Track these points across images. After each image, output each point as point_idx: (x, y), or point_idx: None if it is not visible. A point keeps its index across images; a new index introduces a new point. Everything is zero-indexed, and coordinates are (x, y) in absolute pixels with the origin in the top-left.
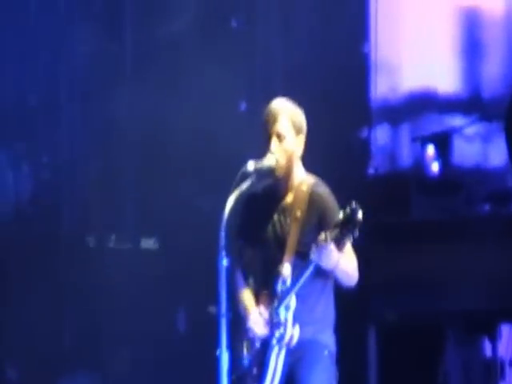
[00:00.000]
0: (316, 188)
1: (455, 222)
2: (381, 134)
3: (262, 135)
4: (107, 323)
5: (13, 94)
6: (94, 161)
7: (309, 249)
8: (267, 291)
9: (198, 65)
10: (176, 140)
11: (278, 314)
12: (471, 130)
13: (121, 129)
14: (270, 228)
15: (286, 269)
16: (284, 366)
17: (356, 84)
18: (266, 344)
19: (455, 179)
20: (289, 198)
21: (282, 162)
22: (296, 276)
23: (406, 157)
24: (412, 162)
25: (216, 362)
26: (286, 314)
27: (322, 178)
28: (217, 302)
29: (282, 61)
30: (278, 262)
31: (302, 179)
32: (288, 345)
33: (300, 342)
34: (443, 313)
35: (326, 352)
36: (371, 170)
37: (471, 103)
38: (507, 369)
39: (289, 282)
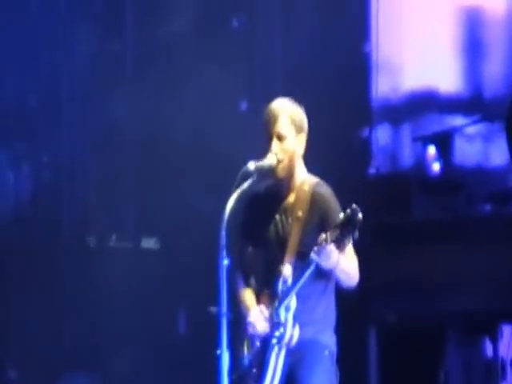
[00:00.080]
0: (318, 188)
1: (456, 222)
2: (382, 134)
3: (262, 135)
4: (107, 323)
5: (13, 94)
6: (95, 161)
7: (310, 249)
8: (268, 291)
9: (198, 65)
10: (176, 140)
11: (278, 314)
12: (472, 129)
13: (121, 129)
14: (271, 228)
15: (287, 269)
16: (284, 366)
17: (357, 84)
18: (265, 344)
19: (456, 179)
20: (291, 198)
21: (283, 162)
22: (297, 276)
23: (407, 157)
24: (413, 161)
25: (216, 362)
26: (287, 314)
27: (323, 178)
28: (217, 302)
29: (283, 60)
30: (280, 262)
31: (304, 179)
32: (288, 345)
33: (300, 343)
34: (444, 313)
35: (326, 352)
36: (372, 170)
37: (472, 103)
38: (508, 369)
39: (290, 282)
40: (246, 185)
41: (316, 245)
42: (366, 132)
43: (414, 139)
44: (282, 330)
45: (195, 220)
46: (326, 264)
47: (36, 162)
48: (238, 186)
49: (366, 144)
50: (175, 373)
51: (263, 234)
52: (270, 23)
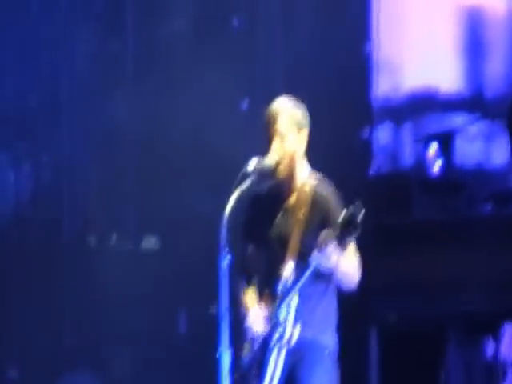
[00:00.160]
0: (319, 189)
1: (457, 222)
2: (383, 134)
3: (263, 135)
4: (107, 323)
5: (13, 94)
6: (95, 160)
7: (311, 250)
8: (269, 291)
9: (198, 64)
10: (177, 140)
11: (278, 314)
12: (473, 129)
13: (122, 129)
14: (273, 228)
15: (288, 269)
16: (284, 366)
17: (358, 83)
18: (265, 344)
19: (457, 179)
20: (292, 199)
21: (284, 162)
22: (297, 277)
23: (407, 156)
24: (414, 161)
25: (217, 362)
26: (287, 314)
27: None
28: (218, 302)
29: (284, 60)
30: (281, 262)
31: (306, 180)
32: (288, 345)
33: (300, 343)
34: (444, 314)
35: (326, 352)
36: (373, 170)
37: (473, 102)
38: (509, 370)
39: (290, 282)
40: (245, 185)
41: (317, 245)
42: (366, 132)
43: (415, 140)
44: (281, 330)
45: (195, 220)
46: (325, 264)
47: (36, 161)
48: (238, 186)
49: (367, 144)
50: (175, 373)
51: (264, 235)
52: (270, 23)
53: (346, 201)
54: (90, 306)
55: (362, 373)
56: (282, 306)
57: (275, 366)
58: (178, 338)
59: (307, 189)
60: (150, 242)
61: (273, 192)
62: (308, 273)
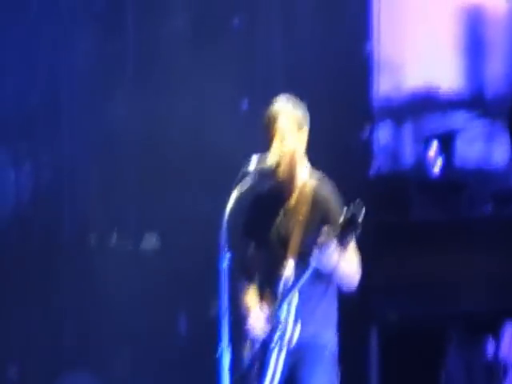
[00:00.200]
0: (319, 189)
1: (457, 223)
2: (383, 134)
3: (262, 135)
4: (107, 323)
5: (13, 94)
6: (95, 161)
7: (312, 249)
8: (269, 291)
9: (198, 64)
10: (177, 139)
11: (278, 314)
12: (474, 129)
13: (122, 128)
14: (273, 229)
15: (289, 269)
16: (285, 366)
17: (358, 83)
18: (266, 344)
19: (457, 179)
20: (292, 199)
21: (284, 162)
22: (298, 277)
23: (408, 156)
24: (414, 161)
25: (217, 362)
26: (287, 314)
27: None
28: (218, 303)
29: (284, 60)
30: (281, 262)
31: (306, 179)
32: (288, 345)
33: (301, 343)
34: (445, 313)
35: (327, 352)
36: (373, 170)
37: (474, 102)
38: (509, 370)
39: (291, 282)
40: (246, 185)
41: (317, 245)
42: (366, 132)
43: (416, 140)
44: (282, 330)
45: (195, 220)
46: (325, 263)
47: (36, 161)
48: (238, 186)
49: (367, 143)
50: (175, 373)
51: (266, 235)
52: (270, 23)
53: (346, 200)
54: (90, 305)
55: (362, 373)
56: (283, 305)
57: (275, 366)
58: (178, 338)
59: (307, 189)
60: (150, 242)
61: (273, 192)
62: (308, 272)
